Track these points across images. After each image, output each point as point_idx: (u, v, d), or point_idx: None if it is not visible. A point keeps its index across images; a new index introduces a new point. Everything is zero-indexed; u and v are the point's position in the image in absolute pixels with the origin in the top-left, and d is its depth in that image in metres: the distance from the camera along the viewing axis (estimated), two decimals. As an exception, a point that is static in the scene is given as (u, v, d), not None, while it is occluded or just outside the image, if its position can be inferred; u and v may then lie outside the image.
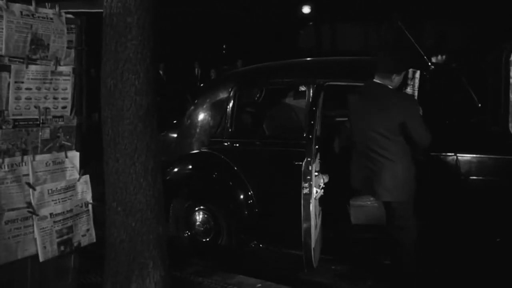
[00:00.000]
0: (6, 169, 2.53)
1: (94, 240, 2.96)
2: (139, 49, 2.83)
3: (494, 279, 3.57)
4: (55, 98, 2.72)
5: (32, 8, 2.54)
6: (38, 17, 2.56)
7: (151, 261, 2.99)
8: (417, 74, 3.55)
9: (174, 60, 13.89)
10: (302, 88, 4.70)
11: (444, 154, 3.69)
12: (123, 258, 2.96)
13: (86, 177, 2.90)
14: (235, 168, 4.33)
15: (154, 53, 2.91)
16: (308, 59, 5.25)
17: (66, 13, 2.71)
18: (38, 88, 2.63)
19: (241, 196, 4.28)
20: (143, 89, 2.86)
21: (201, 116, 4.65)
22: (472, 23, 14.23)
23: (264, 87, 5.09)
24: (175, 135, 4.93)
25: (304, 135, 3.78)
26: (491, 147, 3.63)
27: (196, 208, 4.47)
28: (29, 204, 2.61)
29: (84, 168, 2.88)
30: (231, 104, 4.44)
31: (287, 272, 4.10)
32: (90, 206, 2.92)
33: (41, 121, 2.67)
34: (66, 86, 2.76)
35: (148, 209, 2.95)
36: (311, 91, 4.02)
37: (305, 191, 3.36)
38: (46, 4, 2.64)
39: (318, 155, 3.62)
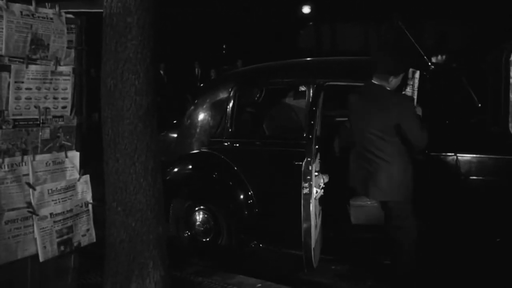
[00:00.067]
0: (6, 169, 2.53)
1: (94, 240, 2.96)
2: (139, 49, 2.82)
3: (494, 279, 3.57)
4: (55, 98, 2.72)
5: (32, 8, 2.54)
6: (38, 17, 2.56)
7: (151, 261, 2.99)
8: (417, 74, 3.55)
9: (174, 60, 13.90)
10: (302, 88, 4.70)
11: (444, 154, 3.69)
12: (123, 258, 2.95)
13: (86, 177, 2.90)
14: (235, 168, 4.33)
15: (154, 53, 2.91)
16: (308, 59, 5.25)
17: (66, 13, 2.71)
18: (38, 88, 2.63)
19: (241, 196, 4.28)
20: (143, 89, 2.86)
21: (201, 116, 4.65)
22: (472, 23, 14.23)
23: (264, 87, 5.09)
24: (175, 135, 4.93)
25: (304, 135, 3.78)
26: (491, 147, 3.63)
27: (196, 208, 4.47)
28: (29, 204, 2.61)
29: (84, 168, 2.88)
30: (231, 104, 4.44)
31: (287, 272, 4.11)
32: (90, 206, 2.92)
33: (41, 121, 2.67)
34: (66, 86, 2.76)
35: (148, 209, 2.95)
36: (311, 91, 4.02)
37: (305, 191, 3.36)
38: (46, 4, 2.63)
39: (318, 155, 3.62)
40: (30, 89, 2.59)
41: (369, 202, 3.65)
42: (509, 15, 10.93)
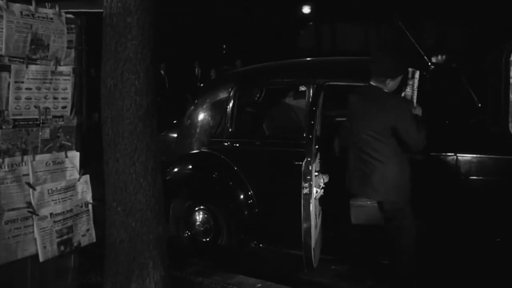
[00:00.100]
0: (6, 169, 2.53)
1: (94, 240, 2.96)
2: (139, 49, 2.83)
3: (494, 279, 3.57)
4: (55, 98, 2.72)
5: (32, 8, 2.54)
6: (38, 17, 2.56)
7: (151, 261, 2.99)
8: (417, 74, 3.55)
9: (174, 60, 13.90)
10: (302, 88, 4.70)
11: (444, 154, 3.69)
12: (123, 258, 2.95)
13: (86, 177, 2.90)
14: (235, 168, 4.33)
15: (154, 53, 2.91)
16: (308, 59, 5.25)
17: (66, 13, 2.71)
18: (38, 88, 2.63)
19: (241, 196, 4.28)
20: (143, 89, 2.86)
21: (201, 116, 4.65)
22: (472, 23, 14.23)
23: (264, 87, 5.09)
24: (175, 135, 4.93)
25: (304, 135, 3.78)
26: (491, 147, 3.63)
27: (196, 208, 4.47)
28: (29, 204, 2.61)
29: (84, 168, 2.88)
30: (231, 104, 4.44)
31: (287, 272, 4.11)
32: (90, 206, 2.92)
33: (41, 121, 2.67)
34: (66, 86, 2.76)
35: (148, 209, 2.95)
36: (311, 91, 4.02)
37: (305, 191, 3.36)
38: (46, 4, 2.63)
39: (318, 155, 3.62)
40: (30, 89, 2.59)
41: (369, 202, 3.64)
42: (509, 15, 10.93)
